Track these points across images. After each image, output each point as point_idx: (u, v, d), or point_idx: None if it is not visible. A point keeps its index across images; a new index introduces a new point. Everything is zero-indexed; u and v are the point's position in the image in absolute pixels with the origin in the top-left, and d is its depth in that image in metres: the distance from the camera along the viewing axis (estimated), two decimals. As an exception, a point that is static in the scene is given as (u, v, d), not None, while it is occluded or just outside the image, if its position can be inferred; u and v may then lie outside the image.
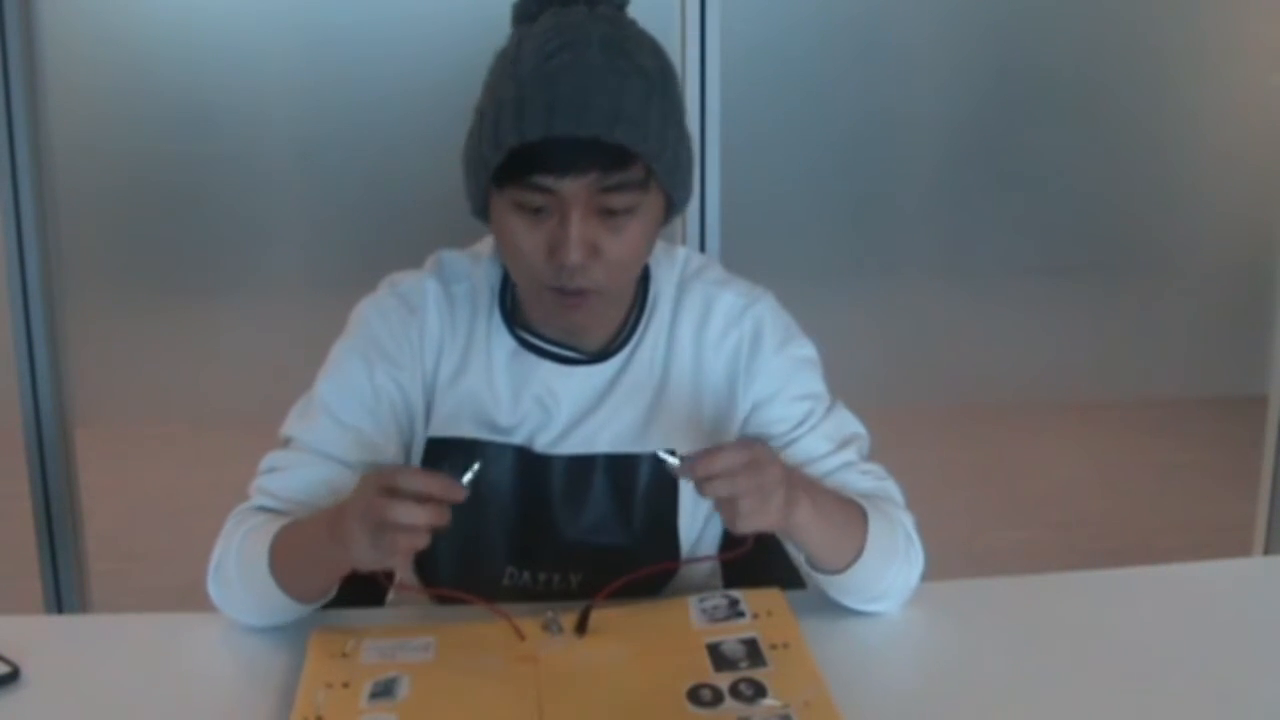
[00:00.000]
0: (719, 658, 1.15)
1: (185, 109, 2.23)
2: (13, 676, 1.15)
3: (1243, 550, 2.67)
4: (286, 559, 1.20)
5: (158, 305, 2.35)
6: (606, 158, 1.16)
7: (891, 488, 1.36)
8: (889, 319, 2.50)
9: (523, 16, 1.25)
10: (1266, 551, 2.60)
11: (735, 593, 1.25)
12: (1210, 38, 2.42)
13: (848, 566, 1.24)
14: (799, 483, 1.18)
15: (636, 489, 1.35)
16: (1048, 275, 2.52)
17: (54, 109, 2.18)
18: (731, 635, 1.18)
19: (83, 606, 2.37)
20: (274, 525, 1.23)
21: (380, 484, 1.08)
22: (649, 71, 1.20)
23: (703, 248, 2.31)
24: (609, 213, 1.19)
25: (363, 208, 2.30)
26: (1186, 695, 1.15)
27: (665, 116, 1.20)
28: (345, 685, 1.11)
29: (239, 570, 1.23)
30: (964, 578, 1.37)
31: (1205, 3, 2.41)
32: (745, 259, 2.06)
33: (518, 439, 1.34)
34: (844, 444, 1.35)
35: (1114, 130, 2.43)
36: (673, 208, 1.28)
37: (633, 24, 1.26)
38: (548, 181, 1.17)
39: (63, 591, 2.35)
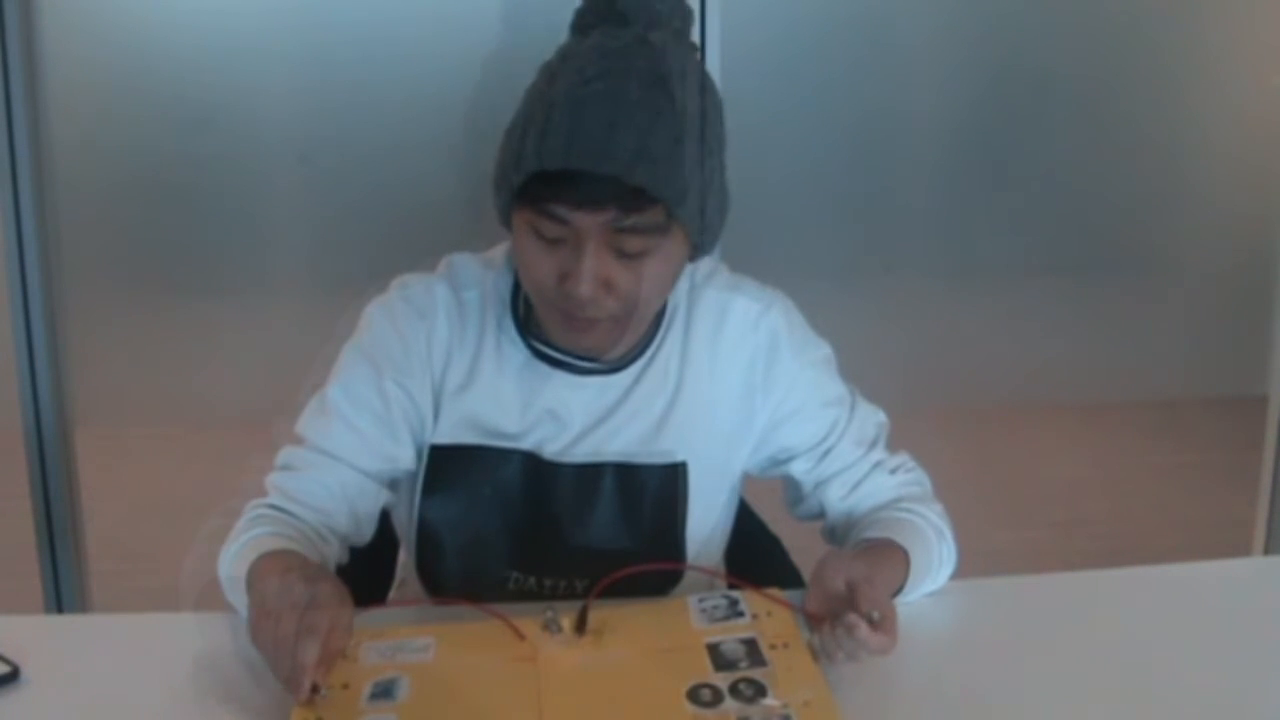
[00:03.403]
0: (719, 657, 1.15)
1: (185, 108, 2.22)
2: (13, 676, 1.15)
3: (1243, 550, 2.66)
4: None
5: (158, 305, 2.35)
6: (625, 198, 1.14)
7: (921, 477, 1.42)
8: (889, 319, 2.50)
9: (577, 29, 1.22)
10: (1266, 551, 2.60)
11: (735, 593, 1.25)
12: (1210, 38, 2.42)
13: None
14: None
15: (645, 497, 1.34)
16: (1048, 275, 2.51)
17: (54, 108, 2.18)
18: (731, 635, 1.18)
19: (83, 606, 2.37)
20: (263, 545, 1.22)
21: (257, 625, 1.08)
22: (688, 111, 1.16)
23: (703, 247, 2.30)
24: (624, 253, 1.17)
25: (363, 208, 2.30)
26: (1186, 695, 1.15)
27: (696, 160, 1.17)
28: (345, 686, 1.11)
29: (229, 579, 1.23)
30: (964, 578, 1.37)
31: (1205, 3, 2.40)
32: (745, 259, 2.06)
33: (526, 445, 1.33)
34: (871, 444, 1.39)
35: (1115, 130, 2.42)
36: (697, 248, 1.26)
37: (687, 53, 1.22)
38: (562, 212, 1.15)
39: (63, 591, 2.35)
